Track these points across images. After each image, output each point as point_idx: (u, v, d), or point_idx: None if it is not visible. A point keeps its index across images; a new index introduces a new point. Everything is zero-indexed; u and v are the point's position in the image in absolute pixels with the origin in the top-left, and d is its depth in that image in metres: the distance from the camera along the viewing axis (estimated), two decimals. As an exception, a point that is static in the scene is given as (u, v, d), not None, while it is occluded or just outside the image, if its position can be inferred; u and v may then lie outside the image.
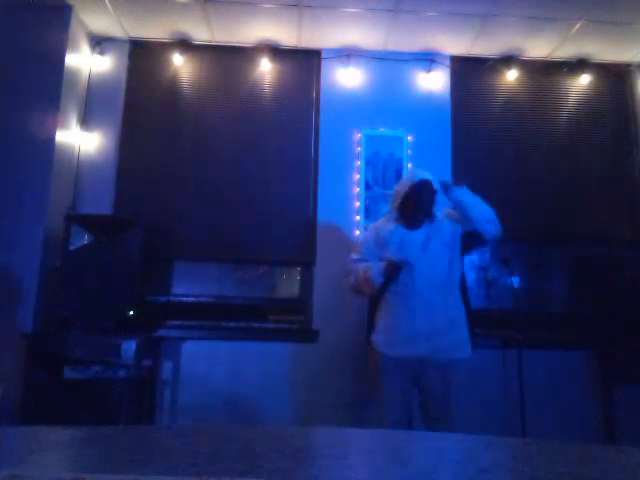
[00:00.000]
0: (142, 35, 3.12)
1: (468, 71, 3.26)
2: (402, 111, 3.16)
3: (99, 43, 3.12)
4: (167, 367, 2.85)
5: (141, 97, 3.12)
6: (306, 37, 3.09)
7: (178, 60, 3.14)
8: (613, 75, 3.32)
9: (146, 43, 3.16)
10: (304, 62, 3.23)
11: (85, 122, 3.03)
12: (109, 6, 2.80)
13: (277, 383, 2.84)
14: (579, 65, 3.27)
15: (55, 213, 2.71)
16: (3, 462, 0.63)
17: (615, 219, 3.17)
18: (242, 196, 3.05)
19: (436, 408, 2.04)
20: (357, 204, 3.05)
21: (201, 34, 3.09)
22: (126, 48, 3.15)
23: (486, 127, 3.23)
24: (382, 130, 3.13)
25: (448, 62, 3.24)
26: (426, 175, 2.11)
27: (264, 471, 0.59)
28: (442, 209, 2.19)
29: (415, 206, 2.11)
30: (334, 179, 3.08)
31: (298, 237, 3.05)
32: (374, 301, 2.21)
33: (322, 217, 3.04)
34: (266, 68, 3.18)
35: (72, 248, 2.59)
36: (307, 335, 2.92)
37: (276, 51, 3.17)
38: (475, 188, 2.14)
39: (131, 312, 2.56)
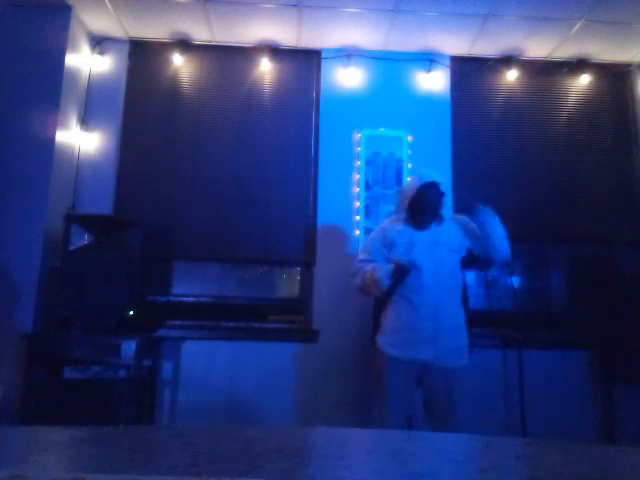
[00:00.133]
0: (142, 35, 3.12)
1: (468, 71, 3.26)
2: (402, 111, 3.16)
3: (99, 43, 3.12)
4: (167, 367, 2.85)
5: (141, 97, 3.12)
6: (306, 37, 3.09)
7: (178, 60, 3.14)
8: (613, 75, 3.32)
9: (146, 43, 3.16)
10: (304, 62, 3.23)
11: (85, 122, 3.03)
12: (109, 6, 2.80)
13: (277, 383, 2.84)
14: (579, 65, 3.27)
15: (55, 213, 2.71)
16: (3, 462, 0.63)
17: (615, 219, 3.17)
18: (242, 196, 3.05)
19: (440, 408, 2.05)
20: (357, 204, 3.04)
21: (201, 34, 3.09)
22: (126, 48, 3.15)
23: (486, 127, 3.23)
24: (382, 130, 3.13)
25: (448, 62, 3.24)
26: (434, 176, 2.12)
27: (264, 471, 0.59)
28: (448, 210, 2.19)
29: (423, 207, 2.11)
30: (334, 179, 3.08)
31: (298, 237, 3.05)
32: (380, 301, 2.21)
33: (322, 217, 3.04)
34: (266, 68, 3.18)
35: (72, 248, 2.59)
36: (307, 335, 2.92)
37: (276, 51, 3.17)
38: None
39: (131, 312, 2.56)
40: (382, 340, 2.12)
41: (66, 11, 2.81)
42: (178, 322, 2.88)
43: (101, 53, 3.11)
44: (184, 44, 3.14)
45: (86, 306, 2.47)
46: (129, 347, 2.40)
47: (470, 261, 2.16)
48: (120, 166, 3.03)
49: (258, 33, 3.06)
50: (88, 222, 2.73)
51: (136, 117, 3.09)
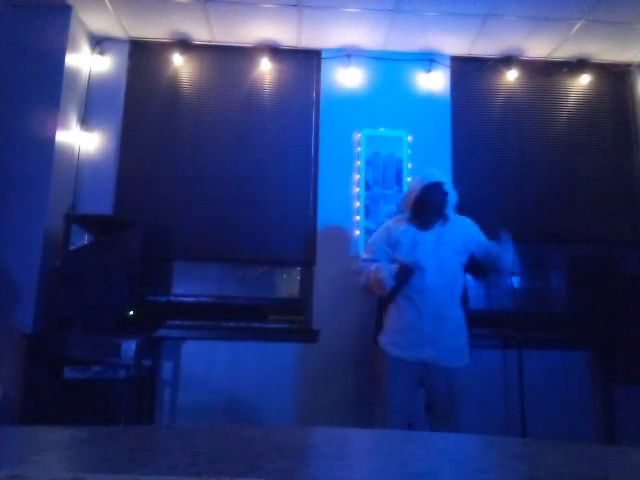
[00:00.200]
0: (142, 35, 3.12)
1: (468, 71, 3.26)
2: (402, 111, 3.16)
3: (99, 43, 3.12)
4: (167, 367, 2.85)
5: (141, 97, 3.12)
6: (306, 37, 3.09)
7: (178, 60, 3.14)
8: (613, 75, 3.32)
9: (146, 43, 3.16)
10: (304, 62, 3.23)
11: (85, 122, 3.03)
12: (109, 6, 2.80)
13: (277, 383, 2.84)
14: (579, 65, 3.27)
15: (55, 213, 2.71)
16: (3, 462, 0.63)
17: (615, 219, 3.17)
18: (242, 196, 3.05)
19: (442, 408, 2.05)
20: (357, 204, 3.04)
21: (201, 34, 3.09)
22: (126, 48, 3.14)
23: (486, 127, 3.23)
24: (382, 130, 3.12)
25: (448, 62, 3.24)
26: (438, 176, 2.12)
27: (264, 471, 0.59)
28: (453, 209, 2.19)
29: (427, 207, 2.11)
30: (334, 179, 3.08)
31: (298, 237, 3.05)
32: (383, 301, 2.21)
33: (322, 217, 3.04)
34: (266, 68, 3.18)
35: (72, 248, 2.59)
36: (307, 335, 2.92)
37: (276, 51, 3.17)
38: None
39: (131, 312, 2.56)
40: (384, 340, 2.12)
41: (66, 11, 2.81)
42: (178, 322, 2.88)
43: (101, 53, 3.11)
44: (184, 44, 3.14)
45: (86, 306, 2.47)
46: (129, 347, 2.40)
47: (473, 268, 2.16)
48: (120, 166, 3.03)
49: (258, 33, 3.06)
50: (88, 222, 2.73)
51: (136, 117, 3.09)
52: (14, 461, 0.64)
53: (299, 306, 3.10)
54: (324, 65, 3.20)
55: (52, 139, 2.69)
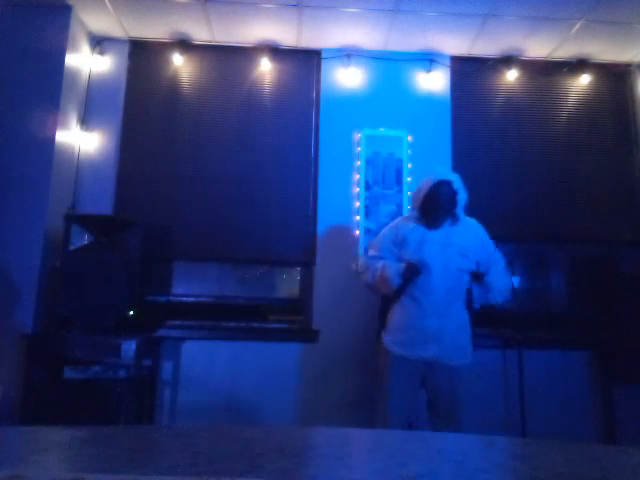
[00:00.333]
0: (142, 35, 3.12)
1: (468, 71, 3.26)
2: (402, 111, 3.16)
3: (99, 43, 3.12)
4: (167, 367, 2.85)
5: (141, 97, 3.12)
6: (306, 37, 3.09)
7: (178, 60, 3.14)
8: (613, 75, 3.32)
9: (146, 43, 3.16)
10: (304, 62, 3.23)
11: (85, 122, 3.03)
12: (109, 6, 2.80)
13: (277, 383, 2.84)
14: (579, 65, 3.27)
15: (55, 213, 2.71)
16: (3, 462, 0.63)
17: (615, 219, 3.17)
18: (242, 196, 3.05)
19: (444, 407, 2.05)
20: (357, 204, 3.04)
21: (201, 34, 3.09)
22: (126, 48, 3.14)
23: (486, 127, 3.23)
24: (382, 130, 3.12)
25: (448, 62, 3.24)
26: (447, 174, 2.11)
27: (264, 471, 0.59)
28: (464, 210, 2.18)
29: (435, 205, 2.10)
30: (334, 179, 3.07)
31: (298, 237, 3.05)
32: (387, 299, 2.21)
33: (322, 217, 3.04)
34: (266, 68, 3.18)
35: (72, 248, 2.59)
36: (307, 335, 2.92)
37: (276, 51, 3.17)
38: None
39: (131, 312, 2.56)
40: (387, 338, 2.12)
41: (66, 11, 2.81)
42: (178, 322, 2.88)
43: (101, 53, 3.11)
44: (184, 44, 3.14)
45: (86, 306, 2.47)
46: (129, 347, 2.40)
47: (474, 279, 2.16)
48: (120, 166, 3.03)
49: (258, 33, 3.06)
50: (88, 222, 2.73)
51: (136, 117, 3.09)
52: (14, 461, 0.64)
53: (299, 306, 3.10)
54: (324, 65, 3.20)
55: (52, 139, 2.69)
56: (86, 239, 2.75)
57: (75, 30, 2.88)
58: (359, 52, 3.19)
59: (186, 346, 2.87)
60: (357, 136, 3.12)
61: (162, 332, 2.78)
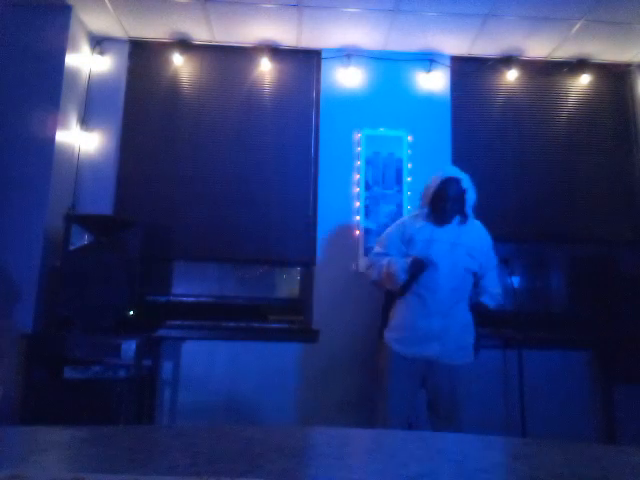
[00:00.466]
0: (142, 35, 3.12)
1: (468, 71, 3.26)
2: (402, 111, 3.16)
3: (99, 43, 3.12)
4: (167, 367, 2.85)
5: (141, 97, 3.12)
6: (306, 37, 3.09)
7: (178, 60, 3.14)
8: (613, 75, 3.32)
9: (146, 43, 3.16)
10: (304, 62, 3.23)
11: (85, 122, 3.03)
12: (109, 6, 2.80)
13: (277, 383, 2.84)
14: (579, 65, 3.27)
15: (55, 213, 2.71)
16: (3, 462, 0.63)
17: (615, 219, 3.17)
18: (242, 196, 3.05)
19: (444, 407, 2.05)
20: (357, 204, 3.04)
21: (201, 34, 3.09)
22: (126, 48, 3.14)
23: (486, 127, 3.23)
24: (382, 130, 3.12)
25: (448, 62, 3.24)
26: (454, 172, 2.11)
27: (264, 471, 0.59)
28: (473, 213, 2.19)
29: (444, 202, 2.09)
30: (334, 179, 3.07)
31: (298, 237, 3.05)
32: (391, 296, 2.21)
33: (322, 217, 3.04)
34: (266, 68, 3.18)
35: (72, 248, 2.59)
36: (307, 335, 2.92)
37: (276, 51, 3.17)
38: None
39: (131, 312, 2.56)
40: (389, 336, 2.12)
41: (66, 11, 2.81)
42: (178, 322, 2.88)
43: (101, 53, 3.11)
44: (184, 44, 3.14)
45: (86, 306, 2.47)
46: (129, 347, 2.40)
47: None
48: (120, 166, 3.03)
49: (258, 33, 3.06)
50: (88, 222, 2.73)
51: (136, 117, 3.09)
52: (14, 461, 0.64)
53: (299, 306, 3.11)
54: (324, 65, 3.20)
55: (52, 139, 2.69)
56: (86, 239, 2.75)
57: (75, 30, 2.88)
58: (359, 52, 3.19)
59: (186, 346, 2.87)
60: (357, 136, 3.12)
61: (162, 332, 2.78)
